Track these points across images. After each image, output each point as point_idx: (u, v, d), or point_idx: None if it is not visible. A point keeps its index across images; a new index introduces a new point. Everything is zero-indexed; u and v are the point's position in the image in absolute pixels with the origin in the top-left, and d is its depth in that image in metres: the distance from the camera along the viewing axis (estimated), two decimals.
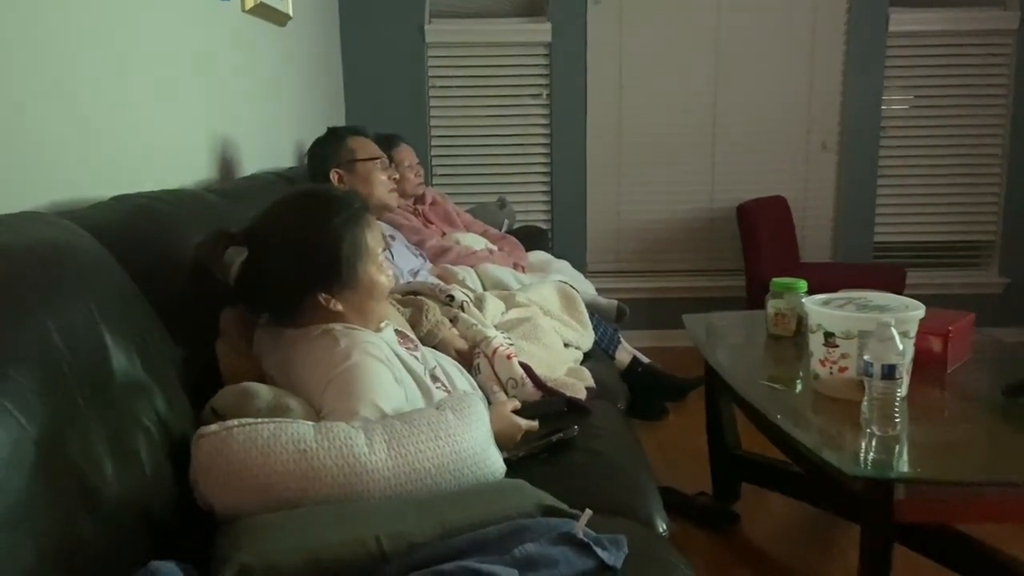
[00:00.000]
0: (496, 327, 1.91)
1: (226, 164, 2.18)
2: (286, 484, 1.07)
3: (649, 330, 3.78)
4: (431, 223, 2.85)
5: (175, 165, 1.86)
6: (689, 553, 2.07)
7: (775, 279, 2.12)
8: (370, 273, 1.37)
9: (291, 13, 2.74)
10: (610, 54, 3.82)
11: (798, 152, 3.91)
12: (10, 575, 0.76)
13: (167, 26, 1.82)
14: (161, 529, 1.02)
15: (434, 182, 3.86)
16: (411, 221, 2.69)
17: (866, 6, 3.73)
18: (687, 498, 2.31)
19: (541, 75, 3.84)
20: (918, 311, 1.60)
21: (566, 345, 2.07)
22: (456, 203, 3.22)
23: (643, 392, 2.83)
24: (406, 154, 2.91)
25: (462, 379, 1.60)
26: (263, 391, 1.25)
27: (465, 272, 2.34)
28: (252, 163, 2.38)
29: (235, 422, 1.11)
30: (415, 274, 2.23)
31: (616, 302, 2.77)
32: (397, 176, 2.44)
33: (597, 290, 2.96)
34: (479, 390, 1.64)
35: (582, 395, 1.77)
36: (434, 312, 1.82)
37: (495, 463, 1.23)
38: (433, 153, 3.90)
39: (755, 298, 3.25)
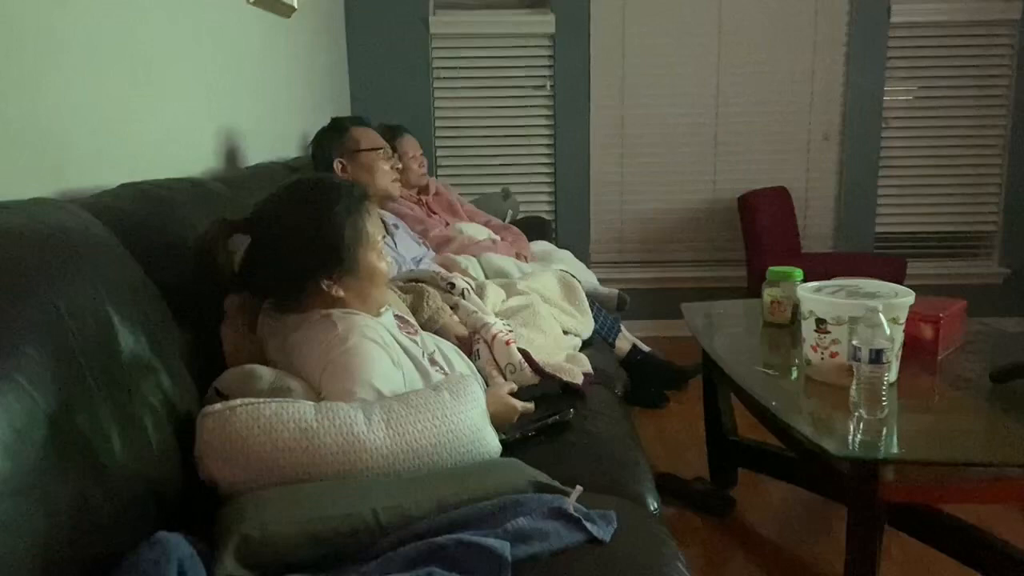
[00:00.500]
0: (496, 314, 1.95)
1: (231, 154, 2.22)
2: (287, 461, 1.11)
3: (651, 320, 3.81)
4: (434, 213, 2.89)
5: (181, 155, 1.89)
6: (686, 537, 2.13)
7: (772, 267, 2.14)
8: (370, 259, 1.40)
9: (295, 5, 2.77)
10: (613, 45, 3.84)
11: (800, 143, 3.93)
12: (22, 540, 0.80)
13: (174, 18, 1.85)
14: (167, 502, 1.06)
15: (438, 173, 3.89)
16: (415, 211, 2.73)
17: None
18: (685, 484, 2.35)
19: (545, 66, 3.87)
20: (907, 298, 1.62)
21: (565, 332, 2.11)
22: (460, 194, 3.25)
23: (642, 380, 2.87)
24: (410, 145, 2.95)
25: (461, 363, 1.63)
26: (265, 372, 1.29)
27: (467, 261, 2.37)
28: (257, 153, 2.41)
29: (238, 401, 1.15)
30: (418, 262, 2.27)
31: (617, 291, 2.81)
32: (400, 166, 2.47)
33: (600, 280, 2.99)
34: (478, 375, 1.67)
35: (579, 380, 1.80)
36: (435, 299, 1.86)
37: (490, 443, 1.27)
38: (437, 144, 3.93)
39: (756, 288, 3.25)
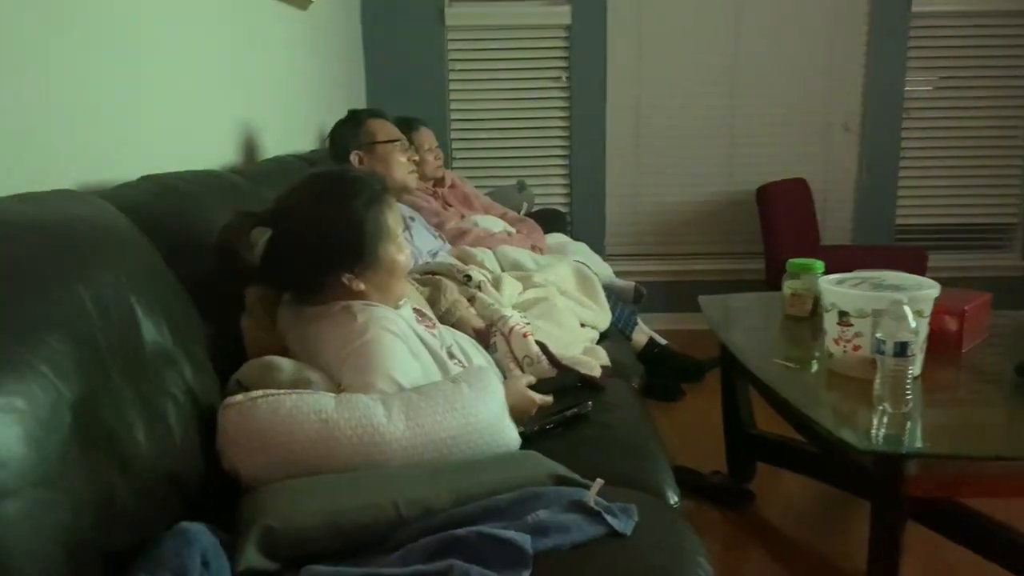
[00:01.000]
0: (513, 307, 1.95)
1: (249, 147, 2.22)
2: (308, 452, 1.11)
3: (668, 313, 3.79)
4: (450, 206, 2.88)
5: (199, 147, 1.90)
6: (704, 531, 2.11)
7: (792, 260, 2.13)
8: (391, 253, 1.40)
9: None
10: (630, 36, 3.81)
11: (819, 134, 3.89)
12: (47, 530, 0.80)
13: (192, 11, 1.85)
14: (189, 493, 1.07)
15: (453, 165, 3.89)
16: (431, 203, 2.72)
17: None
18: (702, 477, 2.34)
19: (561, 58, 3.85)
20: (932, 290, 1.60)
21: (582, 325, 2.10)
22: (475, 186, 3.25)
23: (659, 373, 2.85)
24: (426, 137, 2.94)
25: (479, 356, 1.63)
26: (286, 364, 1.29)
27: (483, 253, 2.37)
28: (274, 146, 2.42)
29: (259, 393, 1.15)
30: (434, 255, 2.27)
31: (634, 284, 2.79)
32: (416, 158, 2.47)
33: (616, 273, 2.98)
34: (496, 366, 1.67)
35: (597, 373, 1.79)
36: (452, 291, 1.86)
37: (510, 435, 1.26)
38: (453, 136, 3.92)
39: (774, 281, 3.24)
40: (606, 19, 3.76)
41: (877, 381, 1.47)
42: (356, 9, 3.72)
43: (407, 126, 2.71)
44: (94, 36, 1.42)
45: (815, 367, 1.81)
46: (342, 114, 2.40)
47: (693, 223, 3.99)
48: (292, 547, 0.99)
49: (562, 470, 1.17)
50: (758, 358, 1.88)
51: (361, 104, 3.67)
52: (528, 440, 1.33)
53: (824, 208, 3.92)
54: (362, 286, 1.37)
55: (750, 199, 3.74)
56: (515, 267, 2.35)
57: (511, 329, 1.77)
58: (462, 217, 2.82)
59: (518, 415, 1.36)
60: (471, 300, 1.89)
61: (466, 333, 1.73)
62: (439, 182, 2.97)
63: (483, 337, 1.78)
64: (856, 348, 1.63)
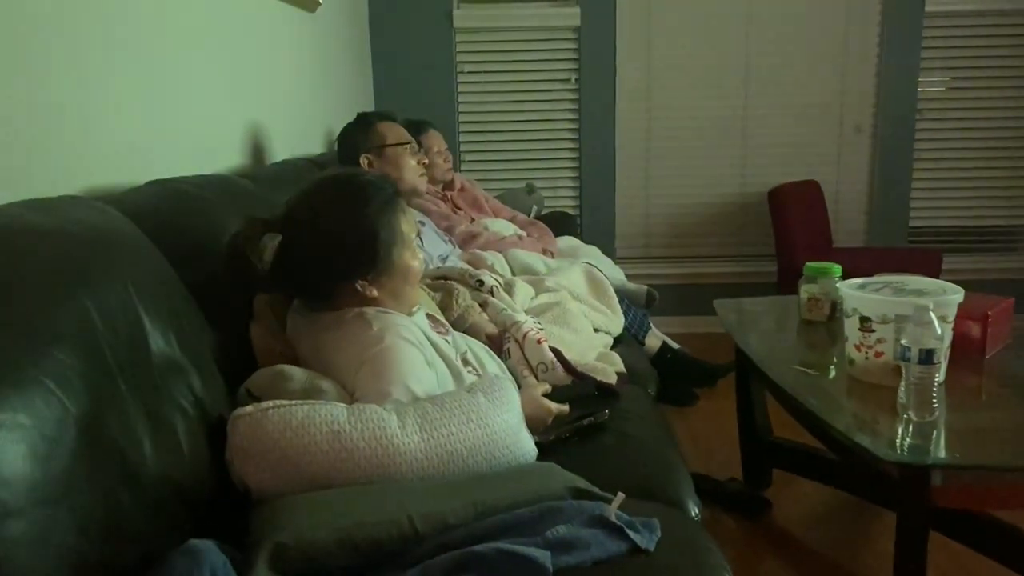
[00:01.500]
0: (526, 312, 1.91)
1: (257, 150, 2.20)
2: (319, 464, 1.08)
3: (679, 316, 3.75)
4: (459, 209, 2.85)
5: (207, 151, 1.87)
6: (720, 539, 2.07)
7: (809, 263, 2.09)
8: (405, 259, 1.37)
9: None
10: (639, 37, 3.78)
11: (831, 135, 3.85)
12: (52, 549, 0.77)
13: (198, 13, 1.83)
14: (198, 507, 1.04)
15: (463, 168, 3.86)
16: (440, 207, 2.70)
17: None
18: (718, 484, 2.30)
19: (570, 60, 3.82)
20: (957, 295, 1.57)
21: (596, 330, 2.07)
22: (485, 189, 3.22)
23: (673, 378, 2.82)
24: (435, 140, 2.92)
25: (492, 363, 1.60)
26: (297, 373, 1.26)
27: (494, 257, 2.34)
28: (283, 149, 2.39)
29: (270, 403, 1.12)
30: (444, 260, 2.24)
31: (646, 287, 2.76)
32: (426, 161, 2.44)
33: (627, 276, 2.94)
34: (509, 374, 1.64)
35: (612, 380, 1.76)
36: (464, 297, 1.83)
37: (526, 446, 1.23)
38: (462, 139, 3.89)
39: (786, 284, 3.21)
40: (615, 20, 3.73)
41: (901, 389, 1.43)
42: (364, 11, 3.70)
43: (416, 129, 2.68)
44: (101, 41, 1.40)
45: (834, 373, 1.77)
46: (350, 116, 2.37)
47: (704, 225, 3.95)
48: (304, 564, 0.95)
49: (581, 483, 1.14)
50: (776, 364, 1.84)
51: (369, 106, 3.65)
52: (544, 450, 1.30)
53: (836, 210, 3.88)
54: (376, 293, 1.34)
55: (762, 201, 3.71)
56: (526, 271, 2.32)
57: (525, 335, 1.74)
58: (472, 221, 2.79)
59: (534, 425, 1.33)
60: (483, 305, 1.86)
61: (478, 339, 1.70)
62: (448, 185, 2.95)
63: (496, 343, 1.75)
64: (878, 354, 1.60)
